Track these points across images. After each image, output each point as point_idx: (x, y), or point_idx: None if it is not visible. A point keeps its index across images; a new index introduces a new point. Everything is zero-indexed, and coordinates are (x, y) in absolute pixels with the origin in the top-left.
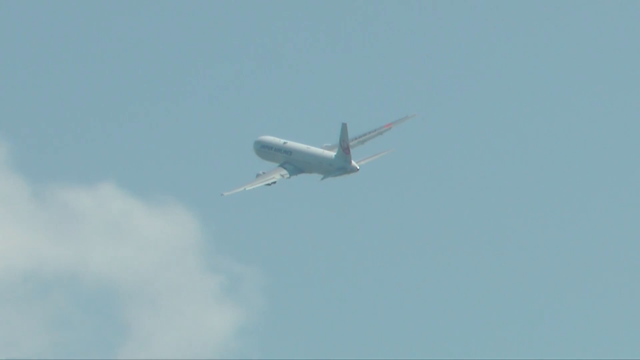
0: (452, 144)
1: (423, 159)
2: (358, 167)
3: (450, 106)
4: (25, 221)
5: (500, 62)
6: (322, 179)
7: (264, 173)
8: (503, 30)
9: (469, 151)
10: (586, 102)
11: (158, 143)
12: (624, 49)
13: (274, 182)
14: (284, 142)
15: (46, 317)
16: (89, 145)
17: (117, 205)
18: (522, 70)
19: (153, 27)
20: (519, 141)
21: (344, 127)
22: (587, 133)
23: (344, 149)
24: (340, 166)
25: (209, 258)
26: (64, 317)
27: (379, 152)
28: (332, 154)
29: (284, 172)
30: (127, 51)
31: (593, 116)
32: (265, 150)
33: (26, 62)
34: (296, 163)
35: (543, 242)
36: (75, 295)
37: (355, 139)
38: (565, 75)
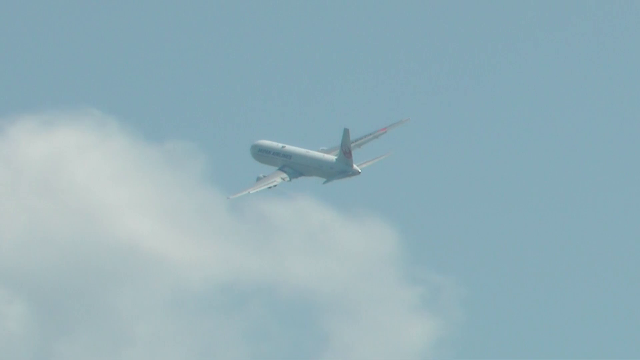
0: (446, 145)
1: (420, 161)
2: (360, 170)
3: (442, 109)
4: (224, 233)
5: (493, 65)
6: (324, 182)
7: (264, 176)
8: (495, 33)
9: (463, 152)
10: (580, 105)
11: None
12: (623, 51)
13: (275, 185)
14: (282, 146)
15: (244, 328)
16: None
17: (315, 217)
18: (515, 72)
19: (156, 27)
20: (513, 142)
21: (346, 132)
22: (580, 134)
23: (346, 153)
24: (342, 169)
25: (407, 269)
26: (262, 328)
27: (378, 156)
28: (332, 157)
29: (284, 175)
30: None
31: (583, 119)
32: (263, 154)
33: (212, 75)
34: (296, 166)
35: (543, 239)
36: (273, 306)
37: (352, 142)
38: (559, 77)
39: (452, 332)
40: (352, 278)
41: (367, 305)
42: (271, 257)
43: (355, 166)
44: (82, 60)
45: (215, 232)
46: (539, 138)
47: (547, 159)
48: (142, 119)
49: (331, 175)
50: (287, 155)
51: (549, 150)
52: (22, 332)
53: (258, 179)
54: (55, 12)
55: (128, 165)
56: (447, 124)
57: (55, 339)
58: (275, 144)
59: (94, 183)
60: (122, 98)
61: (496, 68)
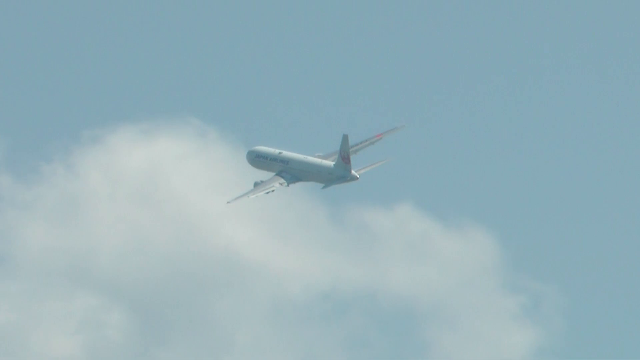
0: (441, 151)
1: (416, 166)
2: (358, 176)
3: (437, 117)
4: (324, 242)
5: (487, 71)
6: (323, 187)
7: (262, 182)
8: (490, 40)
9: (458, 158)
10: (575, 106)
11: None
12: (623, 54)
13: (273, 191)
14: (279, 152)
15: (344, 336)
16: (385, 167)
17: (415, 225)
18: (509, 78)
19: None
20: (509, 147)
21: (345, 138)
22: (577, 133)
23: (344, 159)
24: (341, 175)
25: (508, 277)
26: (362, 336)
27: (376, 162)
28: (330, 163)
29: (282, 180)
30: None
31: (578, 120)
32: (260, 160)
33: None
34: (293, 172)
35: (545, 239)
36: (374, 314)
37: (349, 148)
38: (554, 83)
39: (552, 341)
40: (452, 286)
41: (467, 313)
42: (371, 265)
43: (353, 172)
44: (183, 70)
45: (315, 240)
46: (535, 140)
47: (552, 159)
48: (241, 128)
49: (330, 181)
50: (285, 161)
51: (550, 151)
52: (122, 340)
53: (256, 184)
54: (159, 22)
55: (228, 175)
56: (442, 130)
57: (155, 346)
58: (272, 150)
59: (193, 192)
60: (222, 107)
61: (490, 74)
